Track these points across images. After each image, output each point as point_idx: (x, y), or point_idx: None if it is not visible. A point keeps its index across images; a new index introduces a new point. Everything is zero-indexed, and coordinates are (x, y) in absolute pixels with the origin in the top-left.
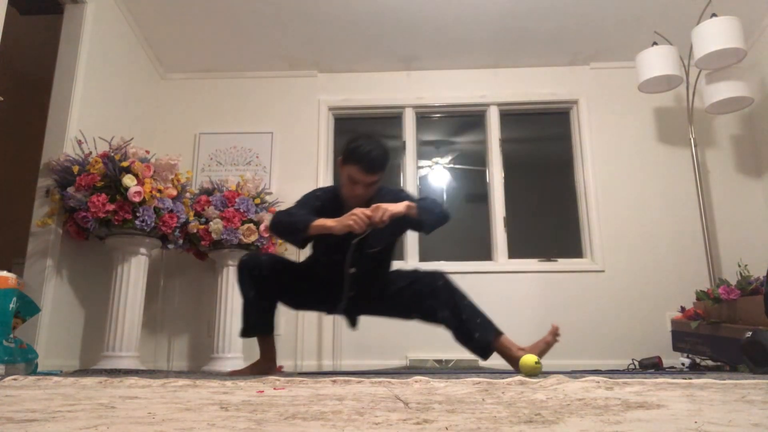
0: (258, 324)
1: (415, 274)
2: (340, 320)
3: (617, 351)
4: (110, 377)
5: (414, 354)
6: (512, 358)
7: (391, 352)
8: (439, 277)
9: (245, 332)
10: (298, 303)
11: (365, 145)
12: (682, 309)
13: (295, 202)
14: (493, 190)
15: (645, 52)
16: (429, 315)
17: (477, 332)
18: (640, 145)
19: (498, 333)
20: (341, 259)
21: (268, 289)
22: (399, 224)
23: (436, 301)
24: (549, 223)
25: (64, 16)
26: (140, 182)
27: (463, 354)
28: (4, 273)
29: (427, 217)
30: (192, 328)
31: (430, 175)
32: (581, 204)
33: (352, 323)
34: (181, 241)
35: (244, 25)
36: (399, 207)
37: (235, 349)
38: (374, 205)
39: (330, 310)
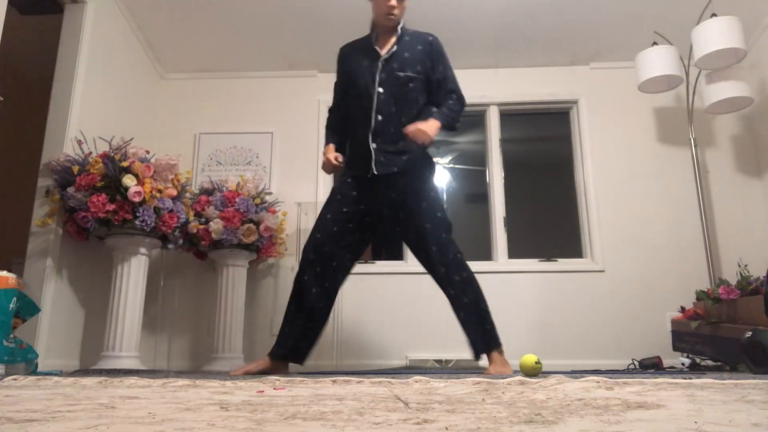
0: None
1: (443, 242)
2: (341, 320)
3: (617, 351)
4: (110, 377)
5: (414, 354)
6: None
7: (391, 352)
8: (464, 269)
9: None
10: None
11: None
12: (682, 309)
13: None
14: (493, 190)
15: (645, 52)
16: (440, 281)
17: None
18: (640, 145)
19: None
20: (374, 84)
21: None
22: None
23: (456, 288)
24: (549, 223)
25: (64, 16)
26: (140, 182)
27: (463, 354)
28: (4, 273)
29: (453, 120)
30: (192, 328)
31: None
32: (581, 204)
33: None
34: (181, 241)
35: (244, 25)
36: (429, 125)
37: (235, 349)
38: (416, 129)
39: (364, 175)
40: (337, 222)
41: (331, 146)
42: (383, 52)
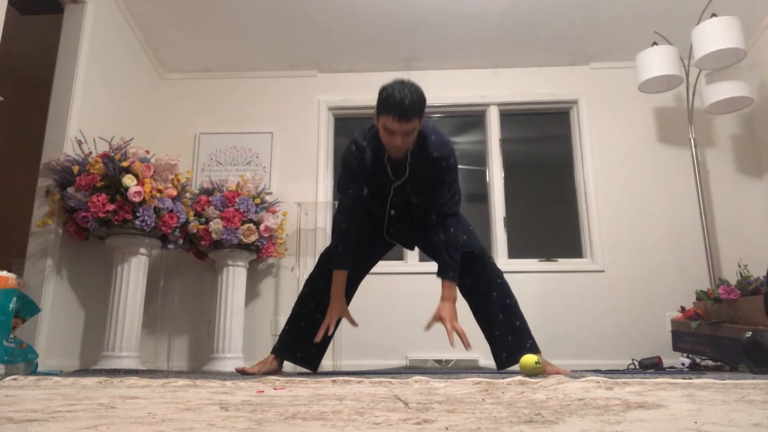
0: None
1: (474, 251)
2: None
3: (617, 351)
4: (110, 377)
5: (414, 354)
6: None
7: (391, 352)
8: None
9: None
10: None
11: (397, 91)
12: (682, 309)
13: (341, 173)
14: (493, 190)
15: (645, 52)
16: (467, 293)
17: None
18: (640, 145)
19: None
20: (385, 206)
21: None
22: (434, 184)
23: (484, 297)
24: (549, 223)
25: (64, 16)
26: (140, 182)
27: (463, 354)
28: (4, 273)
29: (456, 262)
30: (192, 328)
31: None
32: (581, 204)
33: (405, 245)
34: (181, 241)
35: (244, 25)
36: (452, 309)
37: (235, 349)
38: (447, 322)
39: (376, 239)
40: (361, 241)
41: (341, 288)
42: (395, 178)
